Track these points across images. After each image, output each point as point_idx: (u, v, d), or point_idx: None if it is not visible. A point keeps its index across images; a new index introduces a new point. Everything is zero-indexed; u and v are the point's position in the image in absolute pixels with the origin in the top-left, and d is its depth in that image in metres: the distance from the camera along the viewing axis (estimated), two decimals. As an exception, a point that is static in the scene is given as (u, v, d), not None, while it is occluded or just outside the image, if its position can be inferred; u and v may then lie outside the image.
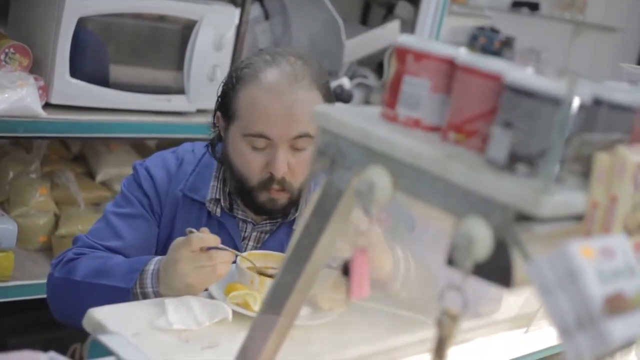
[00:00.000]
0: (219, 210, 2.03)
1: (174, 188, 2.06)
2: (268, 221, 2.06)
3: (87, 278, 1.88)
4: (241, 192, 2.00)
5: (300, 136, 1.91)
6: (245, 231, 2.06)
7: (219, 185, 2.04)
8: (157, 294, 1.78)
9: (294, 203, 2.01)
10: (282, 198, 1.97)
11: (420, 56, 1.14)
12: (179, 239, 1.76)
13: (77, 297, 1.90)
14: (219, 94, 2.02)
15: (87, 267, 1.90)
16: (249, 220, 2.05)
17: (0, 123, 2.55)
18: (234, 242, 2.02)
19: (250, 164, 1.94)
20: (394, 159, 1.10)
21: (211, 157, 2.07)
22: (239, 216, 2.05)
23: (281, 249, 1.98)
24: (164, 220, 2.06)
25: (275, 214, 2.02)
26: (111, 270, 1.87)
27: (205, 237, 1.74)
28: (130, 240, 1.99)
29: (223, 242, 1.99)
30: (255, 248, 2.03)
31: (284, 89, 1.90)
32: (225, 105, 1.99)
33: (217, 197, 2.03)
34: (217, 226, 2.02)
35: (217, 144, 2.07)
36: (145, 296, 1.80)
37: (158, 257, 1.83)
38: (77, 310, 1.92)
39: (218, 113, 2.03)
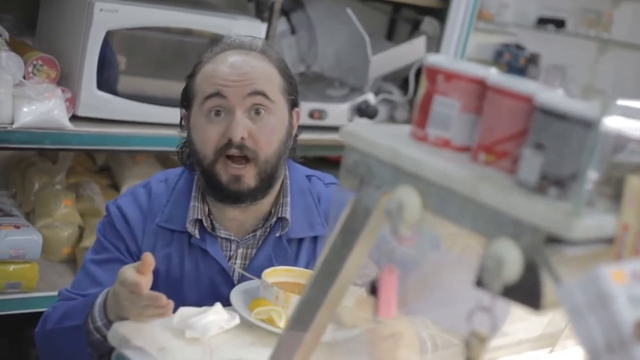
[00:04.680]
0: (197, 231, 1.95)
1: (149, 223, 1.98)
2: (251, 234, 1.98)
3: (56, 325, 1.87)
4: (205, 175, 1.93)
5: (255, 93, 1.89)
6: (230, 250, 1.98)
7: (199, 205, 1.96)
8: (108, 326, 1.74)
9: (264, 185, 1.93)
10: (247, 174, 1.89)
11: (450, 76, 1.14)
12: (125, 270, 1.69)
13: (54, 346, 1.90)
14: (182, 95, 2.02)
15: (57, 314, 1.89)
16: (232, 237, 1.98)
17: (27, 134, 2.56)
18: (220, 266, 1.95)
19: (208, 133, 1.90)
20: (423, 179, 1.10)
21: (186, 181, 2.02)
22: (222, 235, 1.97)
23: (270, 262, 1.94)
24: None
25: (245, 197, 1.92)
26: (73, 310, 1.85)
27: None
28: (110, 286, 1.81)
29: (209, 269, 1.95)
30: (244, 266, 1.98)
31: (237, 57, 1.94)
32: (186, 96, 1.99)
33: (199, 217, 1.95)
34: (201, 254, 1.96)
35: (186, 149, 2.02)
36: (98, 331, 1.77)
37: (107, 289, 1.79)
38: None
39: (182, 111, 2.01)
